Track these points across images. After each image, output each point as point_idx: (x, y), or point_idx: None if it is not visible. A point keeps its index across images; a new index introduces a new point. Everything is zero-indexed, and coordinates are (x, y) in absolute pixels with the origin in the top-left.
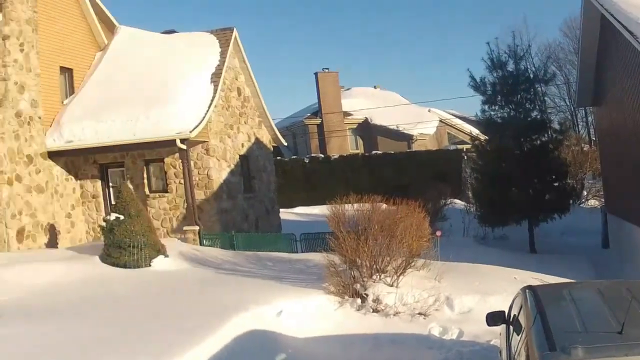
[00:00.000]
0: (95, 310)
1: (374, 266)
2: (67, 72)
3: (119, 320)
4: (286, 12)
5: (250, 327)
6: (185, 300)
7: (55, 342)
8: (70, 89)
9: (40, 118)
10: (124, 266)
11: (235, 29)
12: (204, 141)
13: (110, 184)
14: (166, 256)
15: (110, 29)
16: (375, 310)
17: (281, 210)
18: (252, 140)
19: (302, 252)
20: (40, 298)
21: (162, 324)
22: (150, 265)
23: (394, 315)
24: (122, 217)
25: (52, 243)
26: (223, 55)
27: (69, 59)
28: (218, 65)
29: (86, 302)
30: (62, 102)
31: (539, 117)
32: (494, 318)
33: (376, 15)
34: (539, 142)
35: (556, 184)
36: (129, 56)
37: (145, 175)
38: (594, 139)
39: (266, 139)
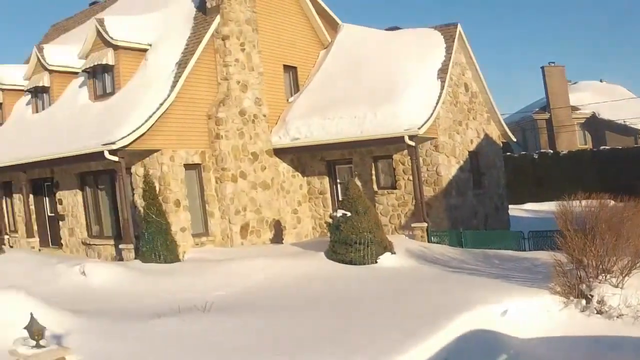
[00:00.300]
0: (318, 305)
1: (600, 266)
2: (291, 70)
3: (343, 315)
4: (510, 5)
5: (473, 326)
6: (411, 298)
7: (270, 336)
8: (294, 87)
9: (265, 116)
10: (350, 262)
11: (459, 24)
12: (433, 138)
13: (338, 181)
14: (393, 253)
15: (333, 27)
16: (599, 312)
17: (510, 206)
18: (481, 136)
19: (530, 250)
20: (262, 293)
21: (387, 321)
22: (376, 262)
23: (617, 317)
24: (349, 213)
25: (278, 239)
26: (448, 50)
27: (292, 57)
28: (444, 61)
29: (309, 298)
30: (287, 100)
31: None
32: None
33: (600, 8)
34: None
35: None
36: (353, 54)
37: (373, 172)
38: None
39: (495, 134)
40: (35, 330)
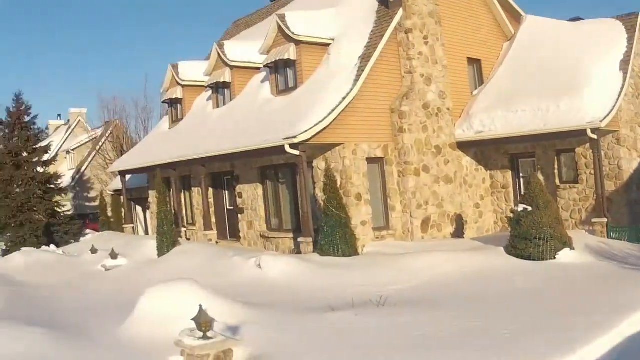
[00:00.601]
0: (495, 301)
1: None
2: (475, 63)
3: (516, 312)
4: None
5: None
6: (585, 296)
7: (443, 331)
8: (479, 80)
9: (448, 109)
10: (529, 258)
11: (639, 13)
12: (615, 131)
13: (521, 175)
14: (572, 249)
15: (516, 18)
16: None
17: None
18: None
19: None
20: (438, 287)
21: (559, 319)
22: (554, 258)
23: None
24: (530, 208)
25: (459, 233)
26: (630, 41)
27: (476, 50)
28: (625, 52)
29: (486, 294)
30: (472, 93)
31: None
32: None
33: None
34: None
35: None
36: (536, 45)
37: (556, 166)
38: None
39: None
40: (203, 322)
